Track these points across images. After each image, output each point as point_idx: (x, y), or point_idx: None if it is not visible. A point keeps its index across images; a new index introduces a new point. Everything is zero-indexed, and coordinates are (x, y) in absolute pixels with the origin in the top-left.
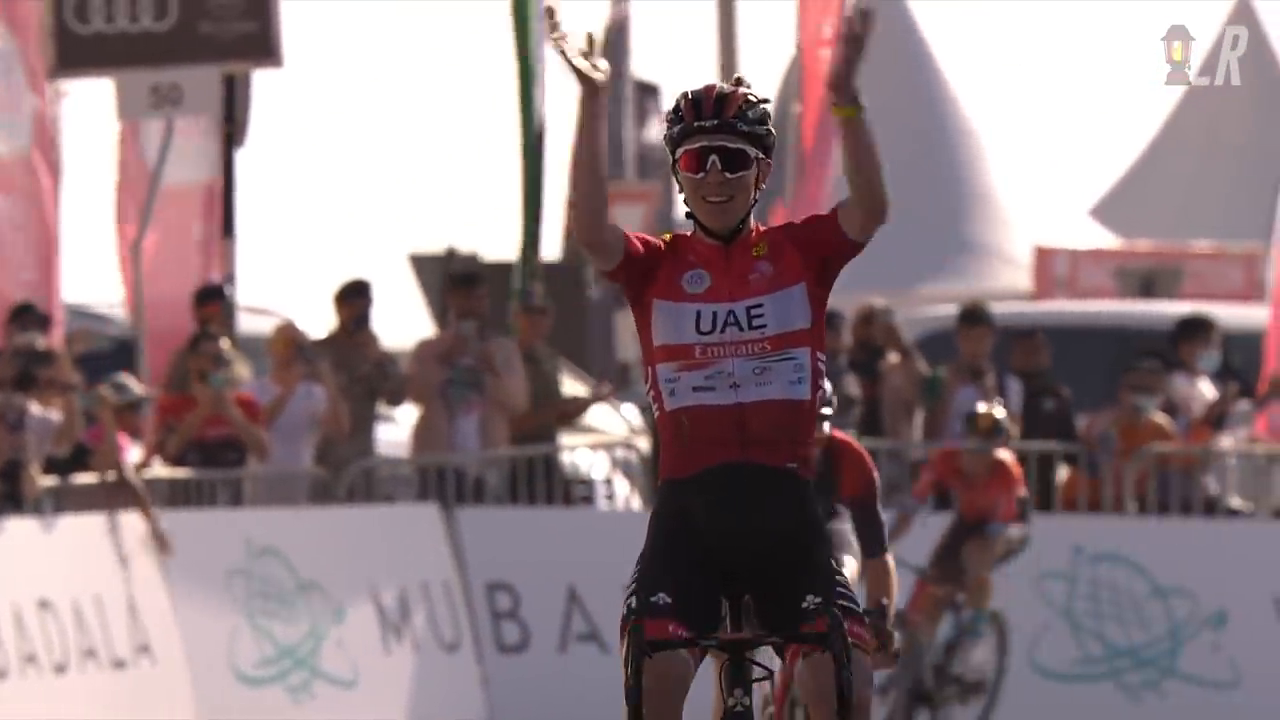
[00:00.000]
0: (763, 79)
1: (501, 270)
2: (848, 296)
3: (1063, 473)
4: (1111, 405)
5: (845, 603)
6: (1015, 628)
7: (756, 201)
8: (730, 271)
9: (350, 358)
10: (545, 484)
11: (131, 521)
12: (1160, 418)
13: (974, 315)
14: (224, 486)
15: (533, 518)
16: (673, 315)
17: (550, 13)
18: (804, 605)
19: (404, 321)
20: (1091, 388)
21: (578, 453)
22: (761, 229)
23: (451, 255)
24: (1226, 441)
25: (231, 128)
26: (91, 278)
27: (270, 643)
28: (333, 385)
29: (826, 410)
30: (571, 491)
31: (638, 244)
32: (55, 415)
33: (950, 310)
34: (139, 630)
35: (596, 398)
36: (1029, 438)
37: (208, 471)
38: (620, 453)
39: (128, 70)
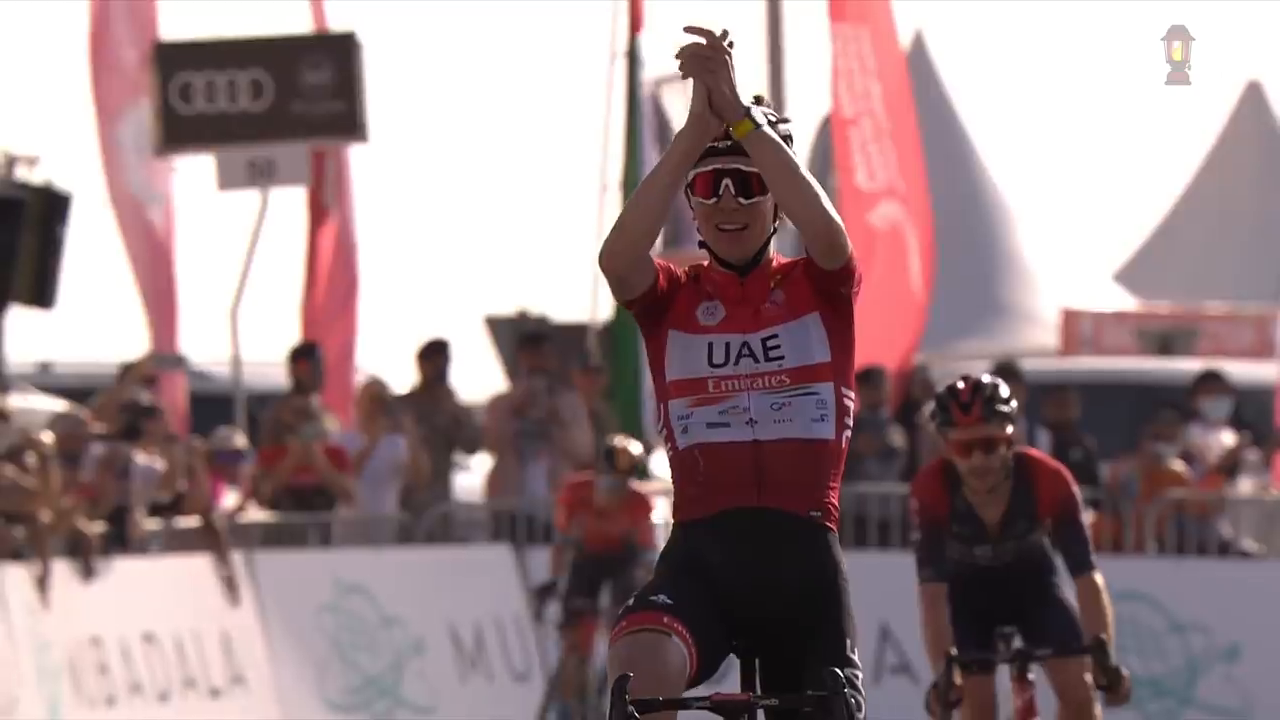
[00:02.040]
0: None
1: (569, 330)
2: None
3: (1089, 516)
4: (1133, 454)
5: (851, 691)
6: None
7: (776, 230)
8: (745, 302)
9: (430, 411)
10: None
11: (223, 562)
12: (1178, 465)
13: (1006, 371)
14: (314, 529)
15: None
16: (686, 347)
17: (725, 34)
18: (809, 691)
19: (479, 378)
20: (1114, 438)
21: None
22: (782, 260)
23: (523, 317)
24: (1241, 488)
25: (320, 199)
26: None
27: (357, 673)
28: (414, 436)
29: (1009, 428)
30: None
31: (664, 279)
32: (159, 464)
33: (984, 367)
34: (234, 662)
35: (650, 450)
36: None
37: (299, 515)
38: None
39: (227, 147)
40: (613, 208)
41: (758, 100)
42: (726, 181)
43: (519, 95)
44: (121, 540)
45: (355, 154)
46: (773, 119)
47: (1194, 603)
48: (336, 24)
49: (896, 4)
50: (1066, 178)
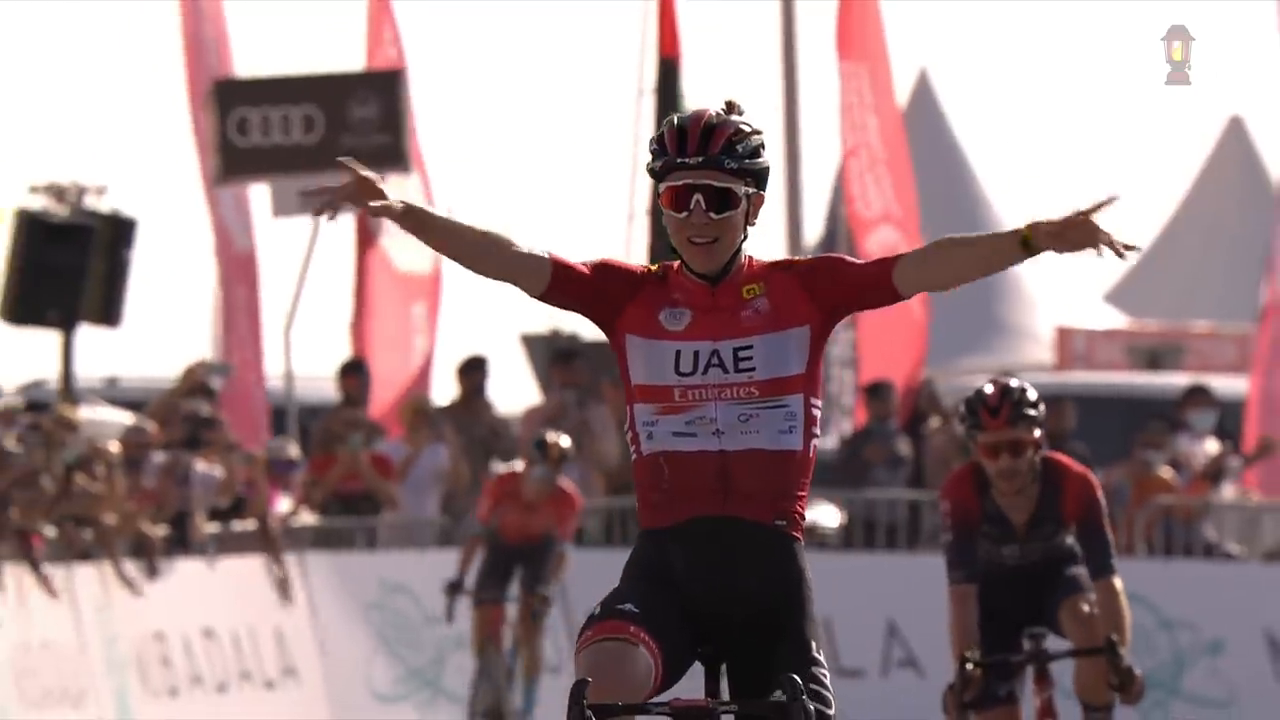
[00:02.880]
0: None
1: (598, 347)
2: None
3: None
4: (1124, 462)
5: (820, 706)
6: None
7: (747, 236)
8: (716, 309)
9: (469, 423)
10: (635, 530)
11: (276, 563)
12: (1166, 472)
13: None
14: (361, 532)
15: (624, 558)
16: (649, 353)
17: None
18: (773, 696)
19: (515, 392)
20: (1107, 447)
21: None
22: (756, 265)
23: (556, 335)
24: (1224, 494)
25: (368, 225)
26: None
27: (401, 666)
28: (455, 446)
29: (1036, 432)
30: None
31: (582, 269)
32: (218, 471)
33: (984, 381)
34: (286, 655)
35: None
36: None
37: (347, 520)
38: None
39: (281, 177)
40: (640, 234)
41: (730, 107)
42: (697, 197)
43: (552, 127)
44: (183, 542)
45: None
46: (746, 128)
47: (1180, 601)
48: (385, 60)
49: (897, 43)
50: (1060, 205)
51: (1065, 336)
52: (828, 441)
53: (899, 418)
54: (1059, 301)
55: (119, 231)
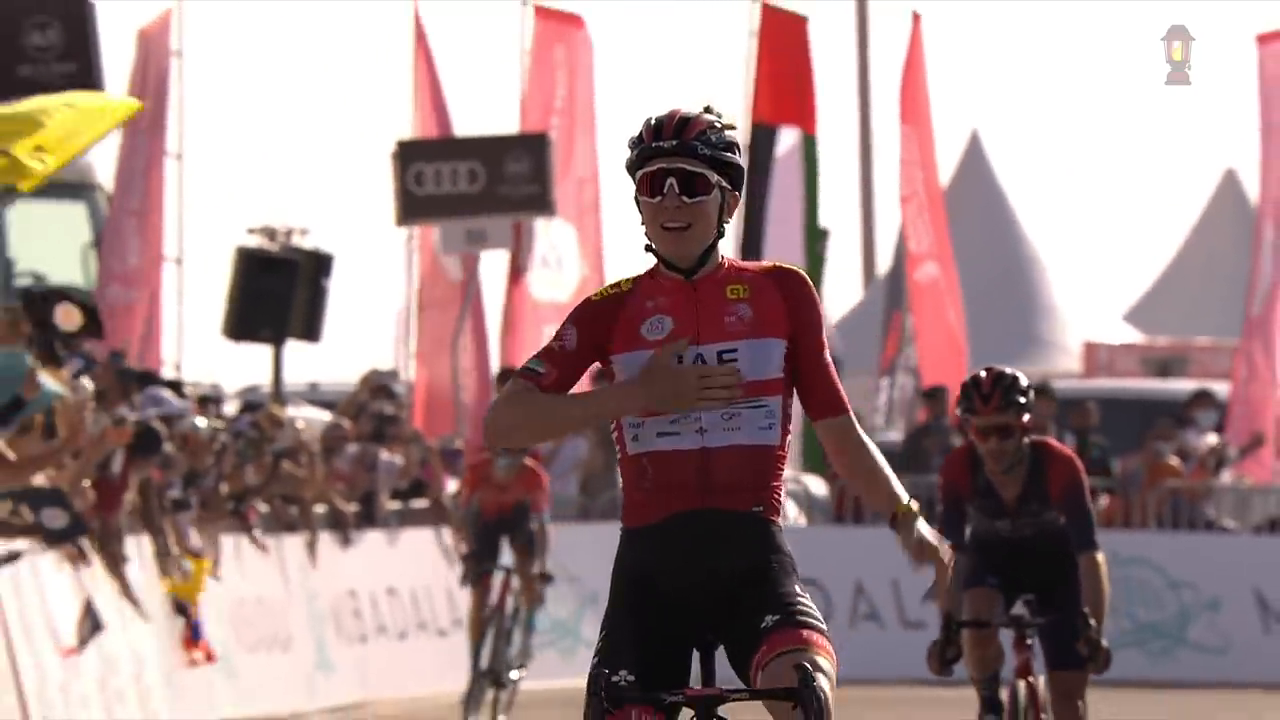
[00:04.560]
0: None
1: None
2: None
3: (1103, 500)
4: (1139, 452)
5: (805, 616)
6: None
7: (722, 234)
8: (699, 312)
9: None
10: None
11: (446, 534)
12: (1174, 461)
13: (1041, 390)
14: None
15: (828, 534)
16: (634, 363)
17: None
18: (762, 626)
19: None
20: (1124, 440)
21: None
22: (736, 266)
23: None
24: (1222, 479)
25: (518, 261)
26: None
27: (546, 618)
28: (591, 439)
29: (1025, 417)
30: None
31: (571, 360)
32: (399, 459)
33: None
34: (455, 609)
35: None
36: None
37: None
38: (791, 486)
39: (449, 220)
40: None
41: (708, 109)
42: (670, 180)
43: None
44: (370, 517)
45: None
46: (720, 124)
47: (1185, 566)
48: (535, 125)
49: (951, 106)
50: (1087, 241)
51: (1091, 349)
52: (894, 434)
53: (952, 417)
54: (1087, 320)
55: (319, 265)
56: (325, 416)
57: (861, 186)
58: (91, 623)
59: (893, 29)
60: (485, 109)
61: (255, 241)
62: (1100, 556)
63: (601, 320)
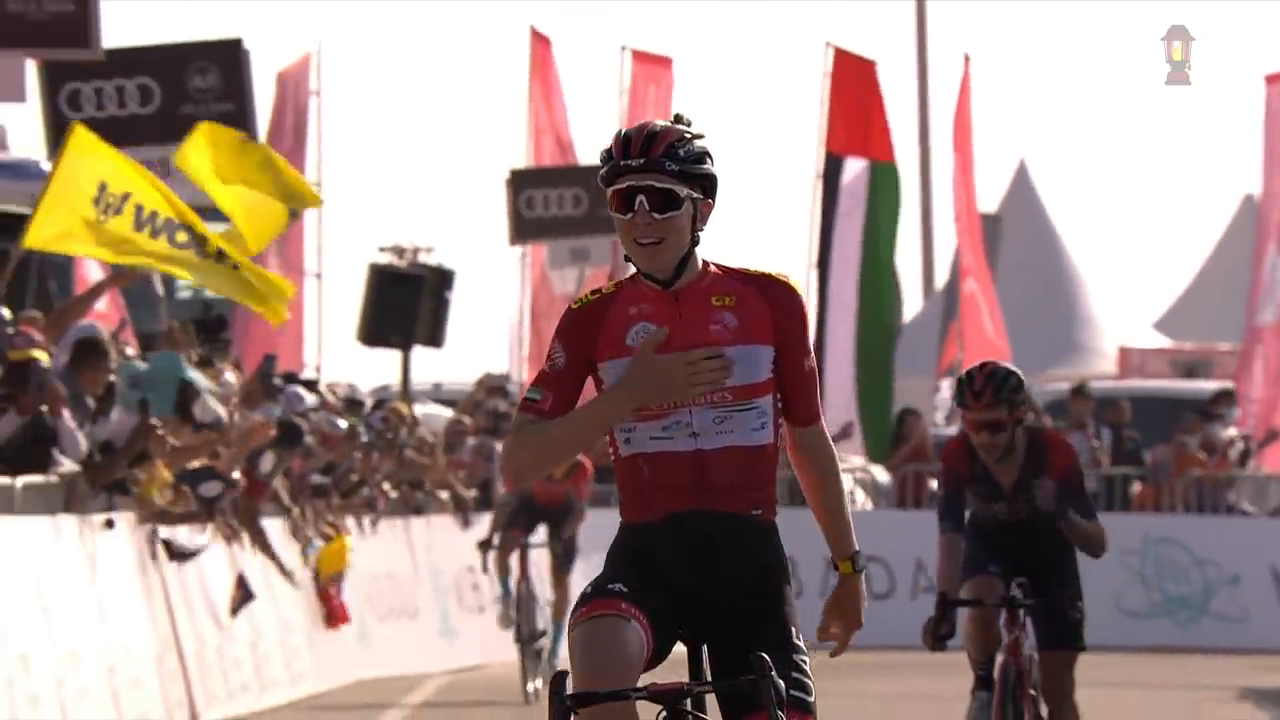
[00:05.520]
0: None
1: None
2: None
3: (1136, 487)
4: (1168, 444)
5: (798, 691)
6: (1105, 587)
7: (697, 242)
8: (684, 320)
9: None
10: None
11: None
12: (1199, 452)
13: (1080, 390)
14: (615, 495)
15: (804, 515)
16: (621, 371)
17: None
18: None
19: None
20: (1155, 434)
21: None
22: (718, 271)
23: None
24: (1244, 468)
25: (615, 275)
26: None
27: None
28: None
29: (1015, 411)
30: None
31: (564, 378)
32: None
33: (1065, 387)
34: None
35: (839, 438)
36: (1115, 465)
37: (601, 488)
38: (859, 475)
39: (556, 240)
40: (814, 282)
41: (678, 119)
42: (641, 198)
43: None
44: (487, 502)
45: None
46: (689, 135)
47: (1208, 546)
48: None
49: (999, 138)
50: (1122, 258)
51: (1125, 354)
52: (952, 430)
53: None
54: (1121, 328)
55: (442, 279)
56: (447, 413)
57: (921, 208)
58: (243, 593)
59: (949, 69)
60: (588, 141)
61: (386, 258)
62: (1099, 526)
63: (586, 328)
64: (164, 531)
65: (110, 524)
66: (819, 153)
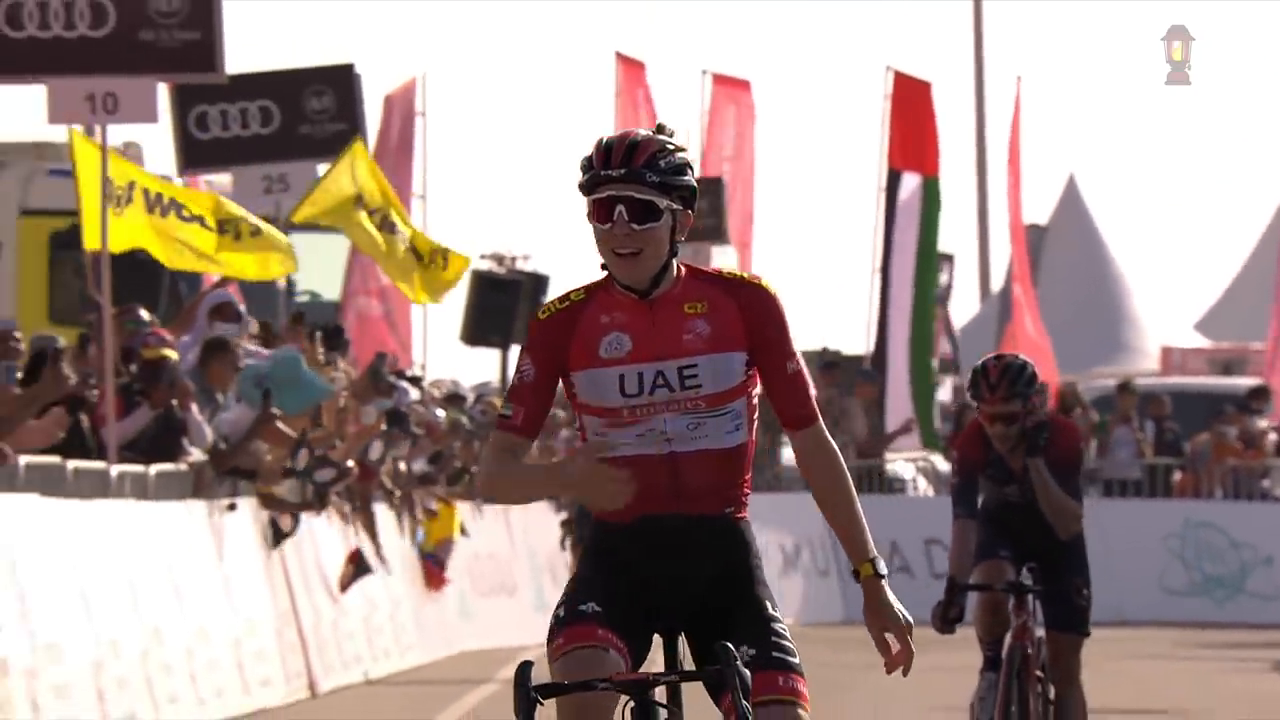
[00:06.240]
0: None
1: (852, 359)
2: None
3: (1177, 476)
4: (1207, 434)
5: (781, 654)
6: (1149, 567)
7: (676, 251)
8: (656, 329)
9: (766, 412)
10: (878, 481)
11: None
12: (1236, 442)
13: (1125, 386)
14: None
15: (870, 501)
16: (594, 381)
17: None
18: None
19: None
20: (1195, 425)
21: (896, 464)
22: (695, 276)
23: (824, 351)
24: (1278, 458)
25: None
26: None
27: None
28: (760, 419)
29: (1027, 404)
30: (893, 486)
31: (535, 388)
32: None
33: (1112, 383)
34: None
35: (900, 434)
36: (1157, 456)
37: None
38: (921, 464)
39: None
40: (877, 287)
41: (659, 129)
42: (620, 208)
43: (822, 206)
44: None
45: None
46: (671, 146)
47: (1244, 529)
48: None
49: (1051, 153)
50: (1163, 264)
51: (1167, 352)
52: None
53: (1053, 406)
54: (1163, 328)
55: (538, 284)
56: None
57: (978, 218)
58: (358, 569)
59: (1005, 88)
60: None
61: (487, 265)
62: (1075, 505)
63: (557, 337)
64: (272, 515)
65: (234, 508)
66: (881, 167)
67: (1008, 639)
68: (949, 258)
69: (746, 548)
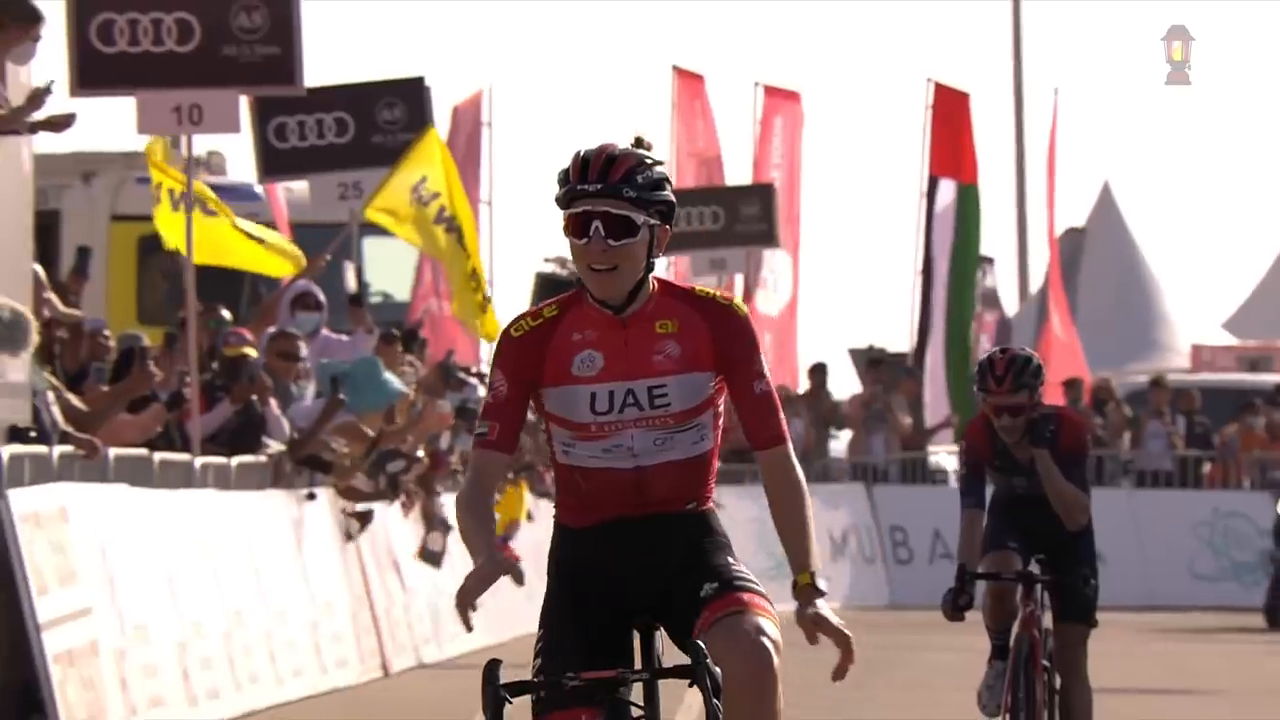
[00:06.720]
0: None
1: (897, 356)
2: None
3: (1206, 467)
4: (1235, 426)
5: (741, 580)
6: (1179, 553)
7: (652, 267)
8: (628, 348)
9: (815, 404)
10: (921, 472)
11: None
12: (1263, 434)
13: (1158, 382)
14: (749, 474)
15: (913, 491)
16: (564, 397)
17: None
18: (702, 594)
19: (845, 386)
20: (1224, 418)
21: (939, 456)
22: (666, 293)
23: (871, 348)
24: None
25: (750, 282)
26: None
27: (767, 555)
28: (805, 420)
29: (1034, 396)
30: (935, 477)
31: (509, 403)
32: None
33: (1144, 379)
34: None
35: (941, 428)
36: (1188, 448)
37: (740, 465)
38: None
39: (697, 251)
40: (917, 289)
41: (637, 142)
42: (596, 223)
43: (867, 211)
44: None
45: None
46: (649, 161)
47: (1271, 518)
48: (765, 176)
49: (1087, 160)
50: (1194, 265)
51: (1197, 350)
52: None
53: (1088, 401)
54: (1193, 327)
55: None
56: None
57: (1017, 223)
58: (432, 552)
59: (1043, 98)
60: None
61: (550, 268)
62: (1082, 496)
63: (528, 354)
64: (348, 504)
65: (312, 496)
66: (922, 174)
67: (1015, 628)
68: (989, 260)
69: (709, 530)
